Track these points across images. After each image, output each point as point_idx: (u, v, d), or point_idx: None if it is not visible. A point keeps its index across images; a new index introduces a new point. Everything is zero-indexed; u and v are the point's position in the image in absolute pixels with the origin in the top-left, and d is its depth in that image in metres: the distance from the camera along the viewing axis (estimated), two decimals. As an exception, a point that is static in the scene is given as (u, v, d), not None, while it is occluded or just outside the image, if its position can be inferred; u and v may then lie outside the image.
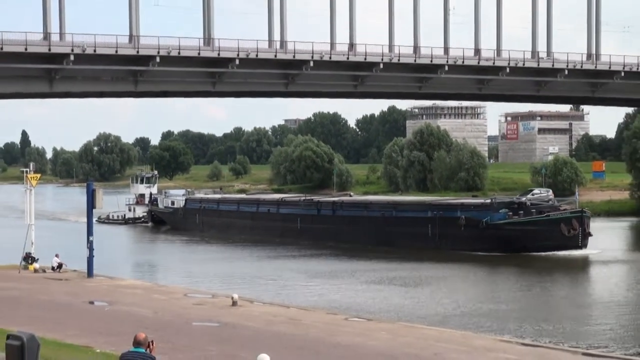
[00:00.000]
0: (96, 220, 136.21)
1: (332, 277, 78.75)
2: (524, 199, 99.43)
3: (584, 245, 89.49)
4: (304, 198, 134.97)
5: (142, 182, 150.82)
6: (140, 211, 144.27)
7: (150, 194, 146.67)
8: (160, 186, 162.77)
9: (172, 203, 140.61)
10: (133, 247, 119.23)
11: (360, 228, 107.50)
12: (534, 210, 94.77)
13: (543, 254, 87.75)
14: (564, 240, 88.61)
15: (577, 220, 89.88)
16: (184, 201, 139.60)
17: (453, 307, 61.56)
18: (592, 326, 54.18)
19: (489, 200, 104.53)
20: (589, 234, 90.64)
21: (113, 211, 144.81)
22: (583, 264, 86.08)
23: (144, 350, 17.31)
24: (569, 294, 71.94)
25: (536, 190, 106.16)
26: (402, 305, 61.43)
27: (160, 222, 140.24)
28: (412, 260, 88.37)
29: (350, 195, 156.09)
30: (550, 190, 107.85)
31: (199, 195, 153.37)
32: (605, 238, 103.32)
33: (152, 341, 17.60)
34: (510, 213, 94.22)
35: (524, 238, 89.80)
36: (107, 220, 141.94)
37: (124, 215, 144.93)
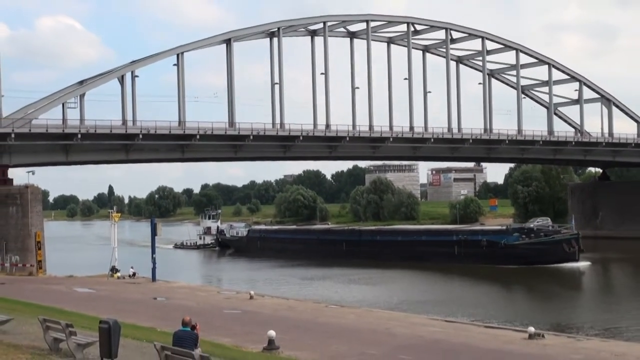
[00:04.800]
0: (173, 247, 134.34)
1: (314, 280, 78.17)
2: (532, 225, 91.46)
3: (579, 259, 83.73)
4: (347, 227, 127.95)
5: (209, 218, 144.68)
6: (209, 239, 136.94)
7: (217, 226, 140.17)
8: (199, 221, 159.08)
9: (237, 233, 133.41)
10: (204, 262, 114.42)
11: (396, 249, 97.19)
12: (542, 233, 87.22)
13: (549, 266, 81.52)
14: (565, 255, 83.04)
15: (575, 240, 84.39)
16: (246, 231, 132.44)
17: (404, 298, 61.04)
18: (505, 311, 52.91)
19: (504, 227, 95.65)
20: (582, 251, 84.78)
21: (186, 239, 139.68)
22: (576, 272, 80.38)
23: (189, 329, 17.30)
24: (516, 291, 69.56)
25: (538, 219, 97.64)
26: (362, 297, 61.23)
27: (225, 246, 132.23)
28: (384, 268, 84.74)
29: (328, 224, 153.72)
30: (549, 219, 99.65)
31: (259, 227, 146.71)
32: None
33: (196, 324, 17.56)
34: (523, 236, 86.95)
35: (535, 255, 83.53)
36: (182, 246, 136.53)
37: (196, 242, 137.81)
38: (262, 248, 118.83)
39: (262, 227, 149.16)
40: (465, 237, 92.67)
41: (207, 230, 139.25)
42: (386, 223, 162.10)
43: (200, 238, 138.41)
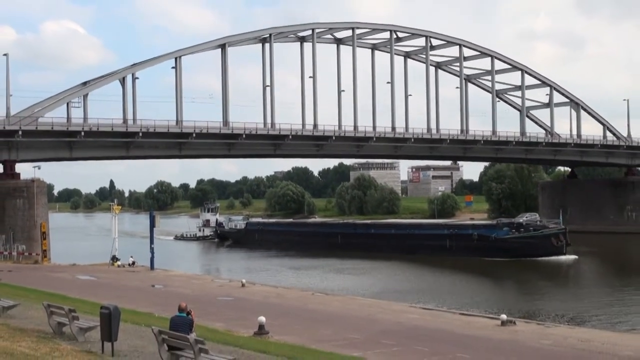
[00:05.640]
0: (173, 238, 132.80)
1: (307, 269, 78.03)
2: (521, 220, 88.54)
3: (566, 252, 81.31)
4: (342, 221, 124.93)
5: (208, 211, 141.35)
6: (208, 231, 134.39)
7: (216, 219, 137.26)
8: (194, 214, 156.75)
9: (236, 225, 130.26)
10: (203, 252, 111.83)
11: (390, 242, 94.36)
12: (531, 228, 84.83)
13: (538, 259, 79.31)
14: (553, 249, 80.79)
15: (562, 235, 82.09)
16: (245, 224, 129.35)
17: (388, 287, 60.73)
18: (483, 300, 52.33)
19: (495, 222, 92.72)
20: (569, 244, 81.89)
21: (186, 231, 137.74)
22: (562, 265, 78.08)
23: (185, 315, 17.24)
24: (497, 281, 67.98)
25: (527, 215, 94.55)
26: (348, 286, 61.23)
27: (224, 238, 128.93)
28: (375, 259, 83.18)
29: (315, 218, 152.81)
30: (537, 214, 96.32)
31: (256, 219, 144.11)
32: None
33: (191, 310, 17.51)
34: (513, 230, 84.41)
35: (524, 248, 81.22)
36: (182, 238, 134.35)
37: (195, 234, 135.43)
38: (259, 240, 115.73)
39: (260, 220, 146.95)
40: (457, 231, 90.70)
41: (206, 223, 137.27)
42: (369, 217, 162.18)
43: (199, 230, 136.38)
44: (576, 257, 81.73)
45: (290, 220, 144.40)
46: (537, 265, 77.20)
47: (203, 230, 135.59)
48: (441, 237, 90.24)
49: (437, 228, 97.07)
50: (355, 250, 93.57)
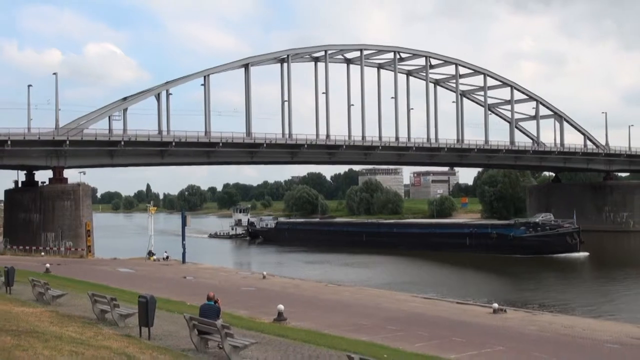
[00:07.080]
0: (207, 236, 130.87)
1: (320, 263, 77.73)
2: (537, 220, 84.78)
3: (580, 250, 77.53)
4: (367, 221, 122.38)
5: (240, 212, 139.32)
6: (240, 230, 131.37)
7: (248, 219, 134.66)
8: (221, 214, 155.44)
9: (266, 224, 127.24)
10: (236, 248, 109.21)
11: (412, 240, 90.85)
12: (547, 227, 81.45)
13: (553, 256, 75.99)
14: (568, 247, 77.58)
15: (576, 233, 78.83)
16: (275, 223, 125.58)
17: (395, 279, 59.85)
18: (481, 291, 51.15)
19: (512, 221, 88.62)
20: (583, 242, 78.47)
21: (219, 230, 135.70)
22: (575, 261, 74.66)
23: (212, 303, 17.30)
24: (501, 275, 64.97)
25: (542, 215, 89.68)
26: (364, 278, 60.89)
27: (255, 236, 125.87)
28: (394, 255, 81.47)
29: (334, 217, 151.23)
30: (551, 214, 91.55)
31: (284, 219, 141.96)
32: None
33: (218, 299, 17.56)
34: (530, 229, 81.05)
35: (541, 246, 78.30)
36: (216, 236, 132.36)
37: (228, 232, 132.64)
38: (289, 238, 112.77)
39: (288, 219, 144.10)
40: (476, 230, 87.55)
41: (239, 222, 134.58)
42: (376, 217, 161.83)
43: (232, 229, 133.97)
44: (588, 254, 78.35)
45: (318, 219, 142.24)
46: (552, 261, 74.29)
47: (235, 229, 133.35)
48: (461, 235, 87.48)
49: (457, 227, 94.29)
50: (379, 247, 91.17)
